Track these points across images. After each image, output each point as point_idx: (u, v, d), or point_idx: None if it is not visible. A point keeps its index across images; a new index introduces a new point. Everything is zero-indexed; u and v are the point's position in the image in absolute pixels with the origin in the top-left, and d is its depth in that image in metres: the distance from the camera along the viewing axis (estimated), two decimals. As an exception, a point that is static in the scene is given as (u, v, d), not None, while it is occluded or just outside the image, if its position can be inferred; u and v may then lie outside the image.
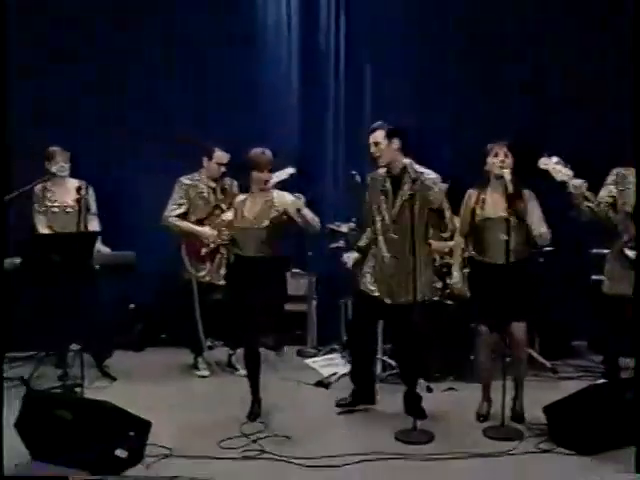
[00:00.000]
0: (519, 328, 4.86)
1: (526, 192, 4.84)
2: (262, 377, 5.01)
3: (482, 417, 4.95)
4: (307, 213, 4.78)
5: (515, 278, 4.70)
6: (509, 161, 4.83)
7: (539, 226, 4.78)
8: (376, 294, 4.93)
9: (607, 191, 5.27)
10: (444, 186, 5.03)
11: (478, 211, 4.90)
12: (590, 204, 4.98)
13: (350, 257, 5.24)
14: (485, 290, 4.90)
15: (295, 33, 6.97)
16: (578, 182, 4.75)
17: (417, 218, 4.69)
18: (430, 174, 4.81)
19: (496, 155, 4.84)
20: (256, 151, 4.94)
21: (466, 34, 6.74)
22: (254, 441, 4.50)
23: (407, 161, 4.82)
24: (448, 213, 4.89)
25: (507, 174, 4.73)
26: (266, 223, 4.87)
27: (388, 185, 4.88)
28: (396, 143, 4.81)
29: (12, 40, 6.32)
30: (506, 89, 6.70)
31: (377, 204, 4.93)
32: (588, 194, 4.91)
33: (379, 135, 4.83)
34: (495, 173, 4.84)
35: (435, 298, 5.46)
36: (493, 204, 4.86)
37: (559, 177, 4.74)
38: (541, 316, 6.01)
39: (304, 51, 6.99)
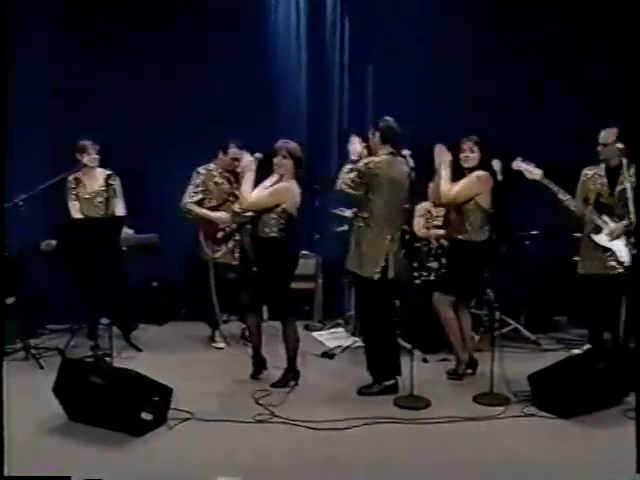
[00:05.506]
0: (435, 297, 5.14)
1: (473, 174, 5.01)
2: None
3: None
4: None
5: (455, 253, 5.20)
6: (473, 155, 5.01)
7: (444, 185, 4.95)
8: None
9: (580, 190, 5.53)
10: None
11: None
12: (574, 208, 5.36)
13: None
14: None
15: (303, 40, 7.07)
16: (566, 197, 5.28)
17: None
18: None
19: (462, 151, 5.03)
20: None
21: (470, 33, 6.72)
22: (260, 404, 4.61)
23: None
24: None
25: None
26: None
27: None
28: (377, 135, 4.82)
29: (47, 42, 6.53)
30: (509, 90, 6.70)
31: None
32: (572, 203, 5.32)
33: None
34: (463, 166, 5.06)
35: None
36: None
37: (530, 176, 5.17)
38: (526, 293, 6.27)
39: (311, 58, 7.07)
